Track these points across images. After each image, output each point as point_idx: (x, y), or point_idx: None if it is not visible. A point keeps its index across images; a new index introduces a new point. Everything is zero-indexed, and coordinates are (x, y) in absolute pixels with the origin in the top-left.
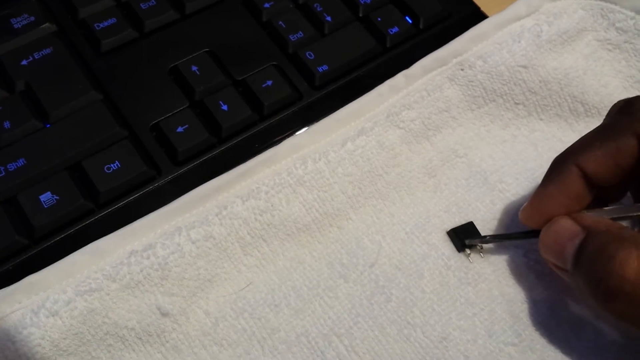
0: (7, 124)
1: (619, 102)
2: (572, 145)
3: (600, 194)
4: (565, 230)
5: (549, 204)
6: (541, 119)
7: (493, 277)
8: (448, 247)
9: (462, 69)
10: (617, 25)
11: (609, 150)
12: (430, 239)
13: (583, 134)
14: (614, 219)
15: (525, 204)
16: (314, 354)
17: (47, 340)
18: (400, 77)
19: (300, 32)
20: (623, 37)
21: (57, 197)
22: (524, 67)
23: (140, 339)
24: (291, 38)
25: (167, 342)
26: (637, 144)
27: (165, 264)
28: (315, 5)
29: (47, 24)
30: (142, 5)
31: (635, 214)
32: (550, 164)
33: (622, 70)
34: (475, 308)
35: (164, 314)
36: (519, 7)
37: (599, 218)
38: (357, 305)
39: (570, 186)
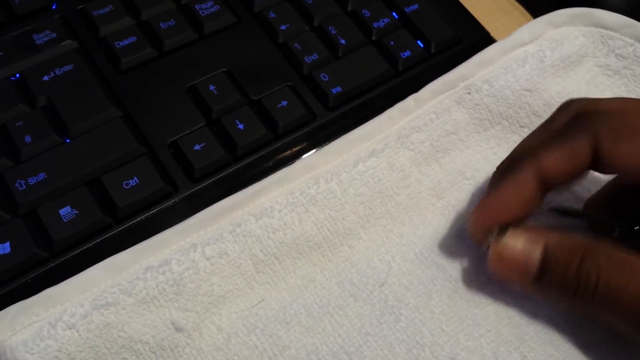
0: (28, 139)
1: (567, 102)
2: (525, 148)
3: None
4: (521, 248)
5: (502, 207)
6: None
7: (500, 299)
8: (456, 269)
9: (469, 93)
10: (617, 51)
11: (566, 154)
12: (439, 261)
13: None
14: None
15: (476, 209)
16: None
17: (64, 353)
18: (410, 101)
19: (315, 54)
20: (622, 63)
21: (77, 212)
22: (529, 90)
23: (154, 353)
24: (306, 60)
25: (180, 356)
26: (591, 151)
27: (180, 280)
28: (329, 28)
29: (68, 41)
30: (162, 25)
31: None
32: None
33: (622, 95)
34: (482, 329)
35: (178, 329)
36: (522, 34)
37: (543, 229)
38: (367, 324)
39: (526, 188)
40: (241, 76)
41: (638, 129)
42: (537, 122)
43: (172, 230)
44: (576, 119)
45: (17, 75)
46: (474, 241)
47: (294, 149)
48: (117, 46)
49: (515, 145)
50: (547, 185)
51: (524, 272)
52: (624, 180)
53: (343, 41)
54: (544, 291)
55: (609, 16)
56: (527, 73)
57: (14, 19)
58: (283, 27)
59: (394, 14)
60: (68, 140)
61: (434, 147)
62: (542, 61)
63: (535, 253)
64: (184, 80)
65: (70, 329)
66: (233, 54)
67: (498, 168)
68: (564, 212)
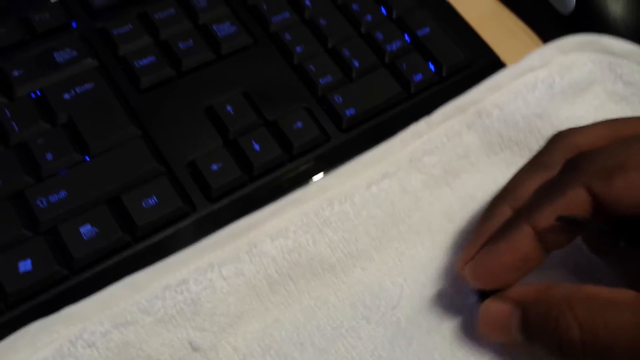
0: (49, 156)
1: (555, 136)
2: (517, 201)
3: None
4: (500, 312)
5: (498, 264)
6: None
7: None
8: (466, 292)
9: (479, 117)
10: (625, 78)
11: (558, 208)
12: (450, 284)
13: None
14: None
15: (466, 256)
16: None
17: None
18: (422, 124)
19: (329, 76)
20: (630, 90)
21: (97, 230)
22: (538, 116)
23: None
24: (321, 81)
25: None
26: (588, 196)
27: (197, 300)
28: (343, 50)
29: (88, 59)
30: (180, 45)
31: None
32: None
33: None
34: (492, 354)
35: (195, 349)
36: (533, 59)
37: (523, 288)
38: (379, 347)
39: (523, 253)
40: (257, 97)
41: (626, 162)
42: None
43: (189, 250)
44: (565, 169)
45: (38, 92)
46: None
47: (309, 170)
48: (137, 65)
49: None
50: (550, 245)
51: (510, 336)
52: (631, 216)
53: (356, 63)
54: (535, 350)
55: (617, 43)
56: (536, 98)
57: (35, 36)
58: (298, 49)
59: (406, 37)
60: (88, 159)
61: (445, 171)
62: (552, 87)
63: (515, 315)
64: (202, 100)
65: (90, 347)
66: (250, 74)
67: (507, 222)
68: (569, 221)
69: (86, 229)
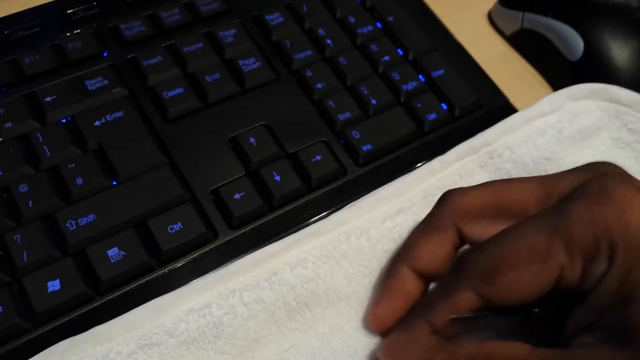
0: (79, 180)
1: (443, 198)
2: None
3: None
4: None
5: (403, 356)
6: None
7: None
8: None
9: (491, 158)
10: (629, 126)
11: (451, 308)
12: None
13: None
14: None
15: (375, 316)
16: None
17: None
18: (436, 162)
19: (348, 113)
20: (634, 137)
21: (124, 253)
22: (547, 159)
23: None
24: (339, 117)
25: None
26: (476, 296)
27: (219, 324)
28: (362, 88)
29: (118, 88)
30: (207, 78)
31: None
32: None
33: (632, 167)
34: None
35: None
36: (543, 105)
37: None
38: None
39: (421, 343)
40: (279, 130)
41: (502, 263)
42: None
43: (213, 275)
44: (453, 270)
45: (69, 118)
46: None
47: (326, 202)
48: (165, 96)
49: None
50: (449, 337)
51: None
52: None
53: (374, 101)
54: None
55: (624, 93)
56: (546, 142)
57: (67, 64)
58: (319, 86)
59: (421, 78)
60: (116, 184)
61: None
62: (561, 132)
63: None
64: (226, 131)
65: None
66: (272, 108)
67: (390, 264)
68: (461, 319)
69: (113, 252)
